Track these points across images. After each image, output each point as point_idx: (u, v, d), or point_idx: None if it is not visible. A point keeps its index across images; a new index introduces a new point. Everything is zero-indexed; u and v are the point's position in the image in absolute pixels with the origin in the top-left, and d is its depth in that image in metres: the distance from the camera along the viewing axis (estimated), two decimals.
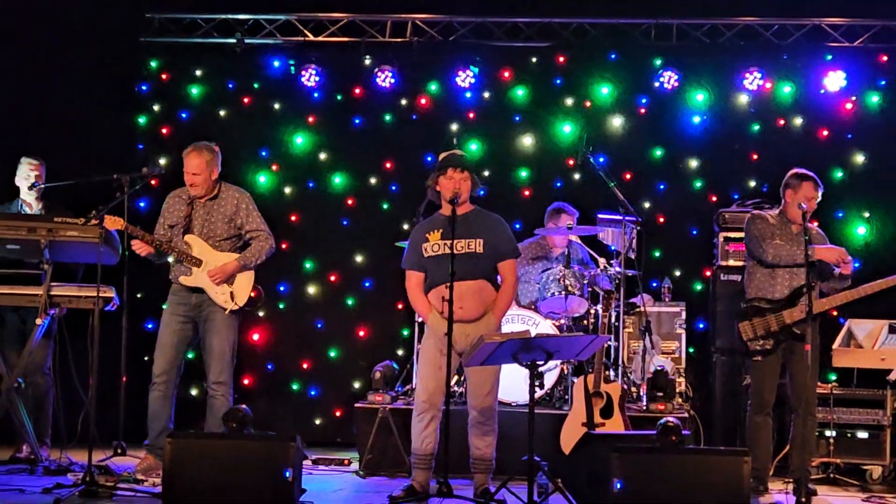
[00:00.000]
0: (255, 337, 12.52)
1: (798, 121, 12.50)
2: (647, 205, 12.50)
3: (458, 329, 8.26)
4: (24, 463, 9.63)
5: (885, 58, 12.35)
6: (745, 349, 9.34)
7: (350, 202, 12.91)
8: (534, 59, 12.81)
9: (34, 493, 8.20)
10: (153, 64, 12.97)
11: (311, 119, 12.95)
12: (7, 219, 9.29)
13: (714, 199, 12.47)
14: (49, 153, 10.31)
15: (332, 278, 12.85)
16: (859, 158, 12.35)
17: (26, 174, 10.10)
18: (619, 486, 7.55)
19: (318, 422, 12.62)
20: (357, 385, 12.33)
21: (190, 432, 8.96)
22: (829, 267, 9.17)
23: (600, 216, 11.17)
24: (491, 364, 8.35)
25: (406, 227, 11.18)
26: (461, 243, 8.42)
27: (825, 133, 12.43)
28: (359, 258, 12.82)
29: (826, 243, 9.28)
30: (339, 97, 12.98)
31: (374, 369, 10.80)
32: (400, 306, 12.00)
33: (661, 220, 12.57)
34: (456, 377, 9.09)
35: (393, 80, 12.63)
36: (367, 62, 12.72)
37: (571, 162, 12.49)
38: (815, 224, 10.69)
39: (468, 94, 12.76)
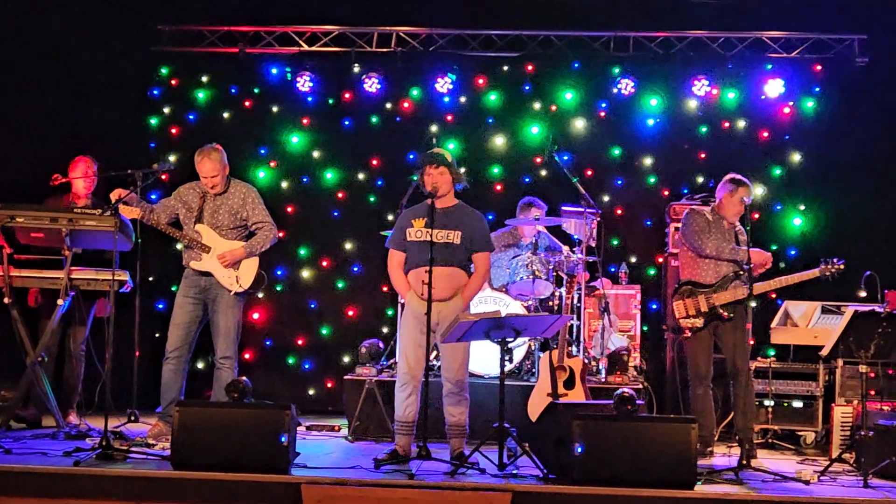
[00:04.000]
0: (256, 316, 12.52)
1: (741, 123, 12.54)
2: (606, 198, 12.51)
3: (432, 306, 8.23)
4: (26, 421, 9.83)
5: (819, 67, 12.38)
6: (676, 326, 9.45)
7: (340, 195, 12.89)
8: (505, 68, 12.79)
9: (56, 456, 8.11)
10: (164, 71, 12.93)
11: (305, 121, 12.93)
12: (32, 210, 9.24)
13: (666, 193, 12.51)
14: (73, 151, 10.26)
15: (324, 263, 12.85)
16: (796, 157, 12.39)
17: (83, 171, 10.08)
18: (580, 449, 7.55)
19: (311, 392, 12.62)
20: (346, 359, 12.31)
21: (196, 401, 8.91)
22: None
23: (564, 208, 11.14)
24: (465, 340, 8.36)
25: (391, 217, 11.14)
26: (441, 233, 8.41)
27: (765, 135, 12.47)
28: (348, 245, 12.82)
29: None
30: (330, 101, 12.95)
31: (360, 345, 10.82)
32: (385, 289, 12.00)
33: (619, 212, 12.58)
34: (434, 352, 9.07)
35: (379, 86, 12.63)
36: (356, 70, 12.70)
37: (539, 160, 12.50)
38: (757, 216, 10.78)
39: (446, 99, 12.75)
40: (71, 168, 10.07)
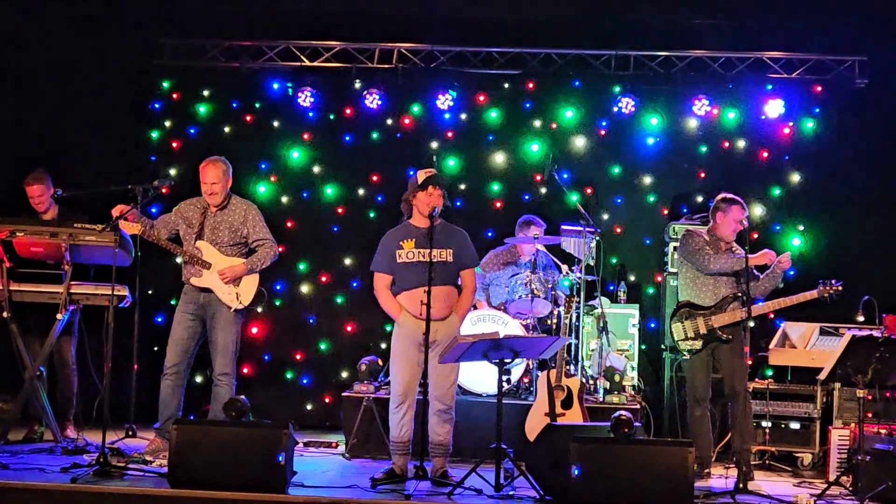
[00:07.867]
0: (254, 330, 12.50)
1: (741, 143, 12.52)
2: (605, 217, 12.50)
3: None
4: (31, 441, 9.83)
5: (819, 88, 12.37)
6: (676, 348, 9.47)
7: (340, 211, 12.88)
8: (506, 85, 12.79)
9: (53, 472, 8.16)
10: (165, 84, 12.92)
11: (306, 136, 12.92)
12: (32, 224, 9.29)
13: (665, 212, 12.49)
14: (73, 164, 10.28)
15: (324, 279, 12.83)
16: (795, 178, 12.37)
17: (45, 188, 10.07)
18: (577, 472, 7.56)
19: (308, 407, 12.59)
20: (344, 375, 12.32)
21: (193, 419, 8.91)
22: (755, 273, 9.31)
23: (563, 227, 11.15)
24: (464, 361, 8.37)
25: None
26: (435, 252, 8.42)
27: (765, 155, 12.45)
28: (347, 261, 12.79)
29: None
30: (331, 116, 12.93)
31: (360, 362, 10.81)
32: None
33: (618, 230, 12.56)
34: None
35: (380, 102, 12.61)
36: (357, 85, 12.71)
37: (538, 177, 12.50)
38: (756, 236, 10.84)
39: (447, 116, 12.72)
40: (30, 186, 10.00)
